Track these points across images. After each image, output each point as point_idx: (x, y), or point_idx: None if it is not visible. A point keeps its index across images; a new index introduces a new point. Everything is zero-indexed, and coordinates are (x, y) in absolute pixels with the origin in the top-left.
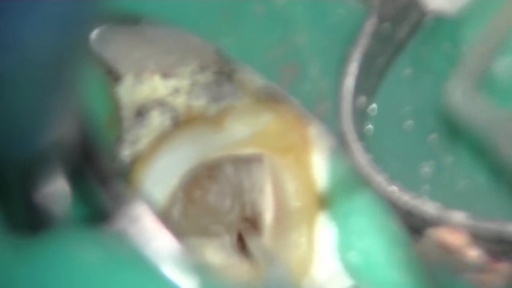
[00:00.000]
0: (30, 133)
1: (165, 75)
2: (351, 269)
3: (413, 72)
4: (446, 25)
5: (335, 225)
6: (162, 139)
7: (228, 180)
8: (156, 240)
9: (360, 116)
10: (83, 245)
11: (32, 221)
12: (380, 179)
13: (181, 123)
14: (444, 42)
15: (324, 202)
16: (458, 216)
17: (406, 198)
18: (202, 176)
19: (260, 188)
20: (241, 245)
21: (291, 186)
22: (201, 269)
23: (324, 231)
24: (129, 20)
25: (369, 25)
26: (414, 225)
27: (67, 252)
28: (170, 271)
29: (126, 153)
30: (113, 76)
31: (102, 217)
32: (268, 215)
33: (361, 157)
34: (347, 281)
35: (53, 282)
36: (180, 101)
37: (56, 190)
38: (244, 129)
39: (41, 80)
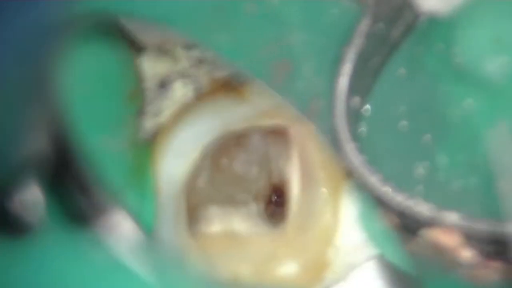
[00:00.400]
0: (5, 145)
1: (188, 46)
2: (376, 239)
3: (407, 73)
4: (439, 26)
5: (359, 194)
6: (185, 110)
7: (255, 149)
8: (134, 246)
9: (354, 116)
10: (61, 251)
11: (8, 228)
12: (374, 180)
13: (204, 94)
14: (437, 43)
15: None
16: (452, 217)
17: (400, 199)
18: (229, 145)
19: (286, 156)
20: (269, 213)
21: (316, 156)
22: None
23: (349, 201)
24: (106, 22)
25: (364, 26)
26: (408, 226)
27: (45, 257)
28: (147, 275)
29: (148, 125)
30: (136, 48)
31: (81, 224)
32: (294, 183)
33: (355, 158)
34: (372, 250)
35: (29, 284)
36: (202, 73)
37: (31, 198)
38: (268, 101)
39: (16, 94)
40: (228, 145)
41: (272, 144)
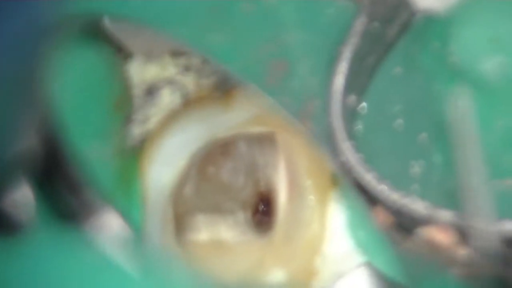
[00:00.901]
0: None
1: (175, 53)
2: (363, 246)
3: (403, 71)
4: (435, 25)
5: (346, 203)
6: (172, 117)
7: (241, 157)
8: (123, 244)
9: (350, 115)
10: (51, 250)
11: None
12: (369, 178)
13: (191, 101)
14: (433, 41)
15: (336, 180)
16: (446, 215)
17: (395, 197)
18: (216, 153)
19: (273, 164)
20: (256, 222)
21: (303, 164)
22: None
23: (336, 209)
24: (94, 27)
25: (359, 24)
26: (403, 224)
27: (35, 256)
28: (136, 274)
29: (136, 132)
30: (123, 55)
31: (71, 223)
32: (281, 191)
33: (351, 156)
34: (359, 258)
35: (20, 283)
36: (190, 80)
37: (21, 198)
38: (255, 107)
39: (8, 93)
40: (214, 153)
41: (259, 151)
